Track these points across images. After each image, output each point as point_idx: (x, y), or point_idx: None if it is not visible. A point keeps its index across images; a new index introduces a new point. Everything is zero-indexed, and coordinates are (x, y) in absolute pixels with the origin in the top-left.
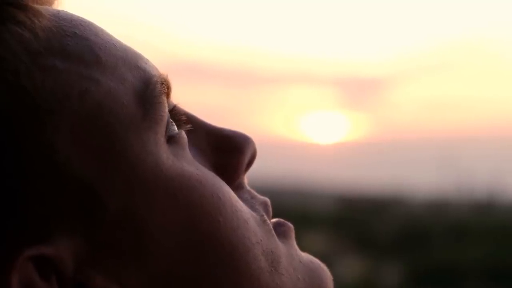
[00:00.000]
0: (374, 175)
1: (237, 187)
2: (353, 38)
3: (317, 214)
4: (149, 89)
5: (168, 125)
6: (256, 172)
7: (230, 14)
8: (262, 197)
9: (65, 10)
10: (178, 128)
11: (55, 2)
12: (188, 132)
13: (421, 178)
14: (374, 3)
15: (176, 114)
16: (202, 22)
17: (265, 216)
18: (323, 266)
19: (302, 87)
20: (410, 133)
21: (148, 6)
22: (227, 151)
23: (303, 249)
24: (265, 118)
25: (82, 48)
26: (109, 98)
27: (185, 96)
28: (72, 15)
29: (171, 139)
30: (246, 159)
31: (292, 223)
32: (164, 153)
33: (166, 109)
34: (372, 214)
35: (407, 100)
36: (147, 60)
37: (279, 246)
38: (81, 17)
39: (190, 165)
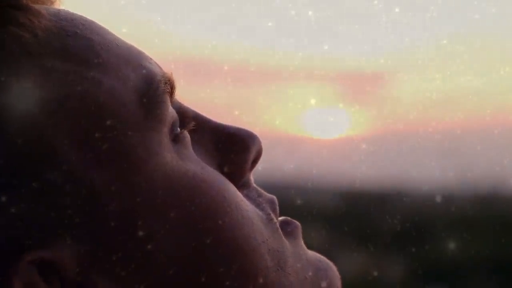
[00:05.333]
0: (376, 169)
1: (243, 185)
2: (353, 32)
3: (318, 209)
4: (152, 89)
5: (171, 124)
6: (257, 168)
7: (228, 12)
8: (269, 195)
9: (66, 9)
10: (181, 127)
11: (56, 1)
12: (192, 131)
13: (423, 171)
14: None
15: (180, 113)
16: (201, 19)
17: (272, 215)
18: (331, 265)
19: (302, 82)
20: (412, 126)
21: (146, 3)
22: (232, 149)
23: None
24: (265, 113)
25: (83, 48)
26: (111, 98)
27: (184, 93)
28: (73, 14)
29: (175, 138)
30: (252, 157)
31: (293, 218)
32: (168, 153)
33: (170, 108)
34: (374, 208)
35: (409, 93)
36: (151, 59)
37: (286, 245)
38: (83, 16)
39: (194, 164)
